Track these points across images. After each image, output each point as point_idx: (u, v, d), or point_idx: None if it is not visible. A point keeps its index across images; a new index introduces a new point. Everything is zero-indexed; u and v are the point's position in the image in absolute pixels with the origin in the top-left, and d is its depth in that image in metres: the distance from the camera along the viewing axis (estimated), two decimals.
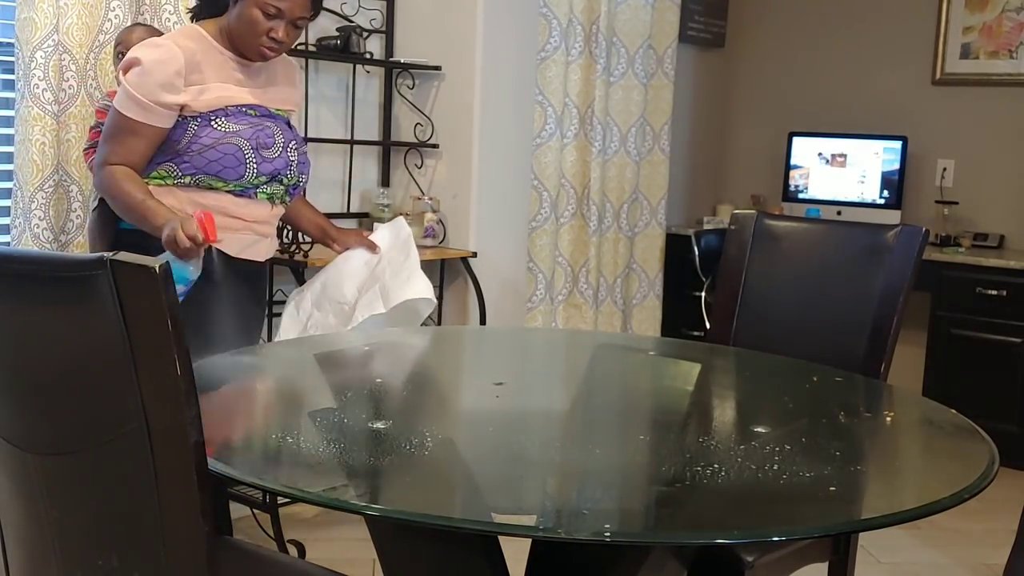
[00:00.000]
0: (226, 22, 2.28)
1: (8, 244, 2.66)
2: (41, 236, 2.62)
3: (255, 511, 2.91)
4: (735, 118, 5.11)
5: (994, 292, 3.97)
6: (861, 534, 2.29)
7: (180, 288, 2.10)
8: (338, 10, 3.41)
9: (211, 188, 2.26)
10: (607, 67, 3.97)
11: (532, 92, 3.73)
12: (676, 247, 4.37)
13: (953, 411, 1.82)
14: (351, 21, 3.44)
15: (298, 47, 3.29)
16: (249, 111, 2.30)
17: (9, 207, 2.67)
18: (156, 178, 2.25)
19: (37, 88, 2.57)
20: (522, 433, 1.71)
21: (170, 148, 2.24)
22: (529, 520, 1.33)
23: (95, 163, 2.26)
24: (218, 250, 2.27)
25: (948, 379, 4.05)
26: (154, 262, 1.15)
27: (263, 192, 2.32)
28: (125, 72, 2.21)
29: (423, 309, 2.61)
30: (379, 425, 1.66)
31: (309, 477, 1.44)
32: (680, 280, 4.40)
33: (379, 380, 1.98)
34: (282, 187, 2.36)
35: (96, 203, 2.39)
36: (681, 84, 4.39)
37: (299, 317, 2.59)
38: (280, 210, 2.42)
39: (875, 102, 4.66)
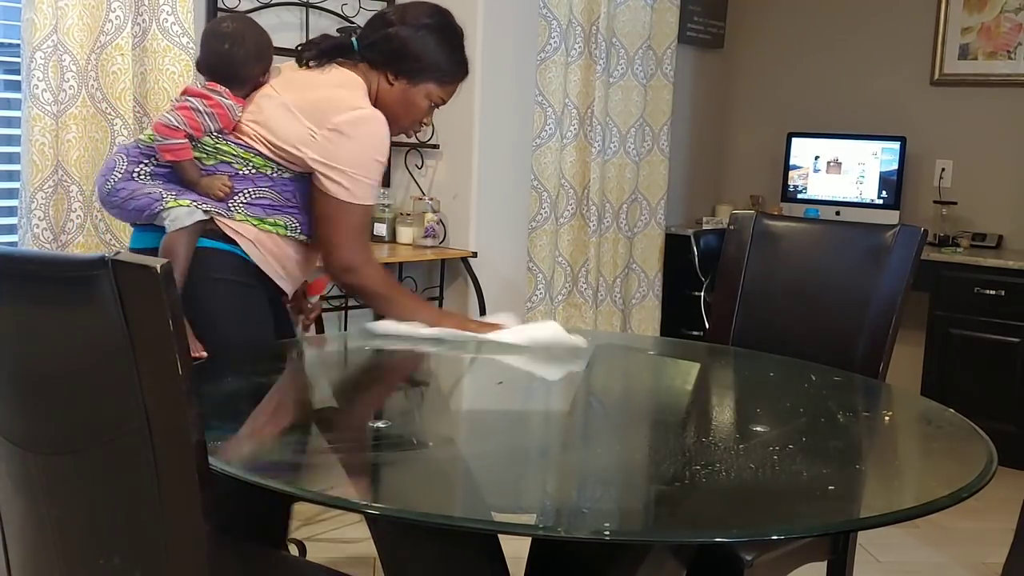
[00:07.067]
0: (376, 85, 2.17)
1: (16, 244, 2.66)
2: (41, 236, 2.62)
3: None
4: (734, 119, 5.12)
5: (992, 292, 3.97)
6: (860, 533, 2.29)
7: None
8: (338, 11, 3.42)
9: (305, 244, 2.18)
10: (607, 68, 3.97)
11: (532, 93, 3.74)
12: (675, 247, 4.37)
13: (951, 410, 1.83)
14: (352, 22, 3.44)
15: (298, 47, 3.29)
16: None
17: (16, 207, 2.68)
18: (269, 224, 2.09)
19: (36, 88, 2.57)
20: (522, 432, 1.72)
21: (306, 206, 2.12)
22: (529, 519, 1.33)
23: (359, 259, 2.11)
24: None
25: (946, 379, 4.06)
26: (156, 262, 1.15)
27: None
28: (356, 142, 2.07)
29: None
30: (379, 425, 1.66)
31: (309, 476, 1.45)
32: (679, 280, 4.41)
33: (379, 380, 1.99)
34: None
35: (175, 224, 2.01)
36: (680, 85, 4.39)
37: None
38: None
39: (874, 103, 4.66)
